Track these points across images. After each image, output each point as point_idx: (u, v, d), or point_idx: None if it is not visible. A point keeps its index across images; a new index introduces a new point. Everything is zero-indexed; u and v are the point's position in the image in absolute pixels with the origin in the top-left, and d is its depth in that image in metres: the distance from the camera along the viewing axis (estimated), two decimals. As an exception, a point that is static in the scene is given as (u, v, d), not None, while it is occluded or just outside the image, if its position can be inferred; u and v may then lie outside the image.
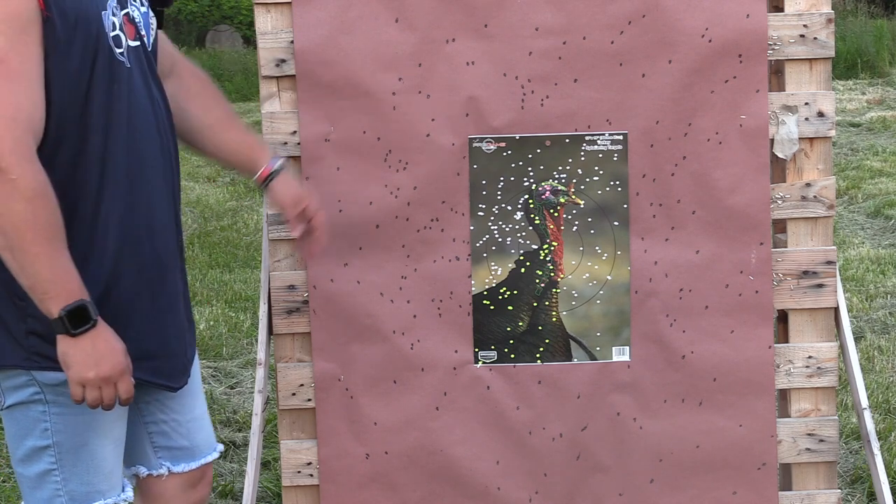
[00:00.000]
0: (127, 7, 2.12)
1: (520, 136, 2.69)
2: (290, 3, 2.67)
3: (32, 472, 2.13)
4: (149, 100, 2.14)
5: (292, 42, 2.67)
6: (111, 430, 2.16)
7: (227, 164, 2.47)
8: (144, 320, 2.15)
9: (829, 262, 2.75)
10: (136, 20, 2.14)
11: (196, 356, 2.39)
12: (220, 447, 2.48)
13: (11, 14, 1.88)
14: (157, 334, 2.18)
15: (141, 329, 2.14)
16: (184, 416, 2.36)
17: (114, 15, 2.06)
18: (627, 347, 2.75)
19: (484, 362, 2.75)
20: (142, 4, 2.18)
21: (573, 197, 2.72)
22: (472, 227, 2.72)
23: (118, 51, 2.06)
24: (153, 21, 2.22)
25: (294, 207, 2.43)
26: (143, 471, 2.37)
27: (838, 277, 2.77)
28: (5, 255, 1.92)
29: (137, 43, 2.13)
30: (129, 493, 2.23)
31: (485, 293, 2.74)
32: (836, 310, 2.77)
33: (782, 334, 2.82)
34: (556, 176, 2.71)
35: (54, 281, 1.92)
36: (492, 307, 2.74)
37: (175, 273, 2.24)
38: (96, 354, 1.97)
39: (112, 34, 2.04)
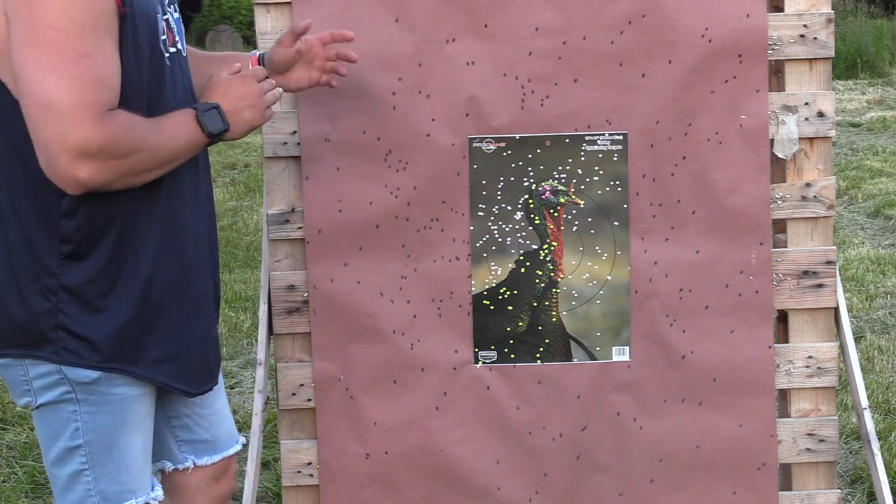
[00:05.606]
0: (167, 13, 2.15)
1: (520, 136, 2.69)
2: (290, 3, 2.67)
3: (64, 473, 2.13)
4: (186, 105, 2.17)
5: (292, 42, 2.67)
6: (141, 428, 2.15)
7: None
8: (171, 322, 2.15)
9: (829, 262, 2.75)
10: (173, 26, 2.17)
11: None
12: (243, 440, 2.48)
13: (98, 12, 1.93)
14: (180, 338, 2.17)
15: (166, 331, 2.14)
16: (205, 410, 2.37)
17: (164, 19, 2.12)
18: (627, 347, 2.75)
19: (484, 362, 2.75)
20: (175, 10, 2.21)
21: (573, 197, 2.72)
22: (472, 227, 2.72)
23: (166, 55, 2.11)
24: (181, 27, 2.25)
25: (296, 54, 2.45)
26: (168, 465, 2.37)
27: (838, 277, 2.77)
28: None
29: (175, 49, 2.16)
30: (160, 492, 2.21)
31: (485, 293, 2.73)
32: (836, 310, 2.77)
33: (782, 334, 2.82)
34: (556, 176, 2.71)
35: (182, 136, 2.06)
36: (492, 307, 2.74)
37: (204, 275, 2.23)
38: (243, 104, 2.13)
39: (163, 37, 2.10)
